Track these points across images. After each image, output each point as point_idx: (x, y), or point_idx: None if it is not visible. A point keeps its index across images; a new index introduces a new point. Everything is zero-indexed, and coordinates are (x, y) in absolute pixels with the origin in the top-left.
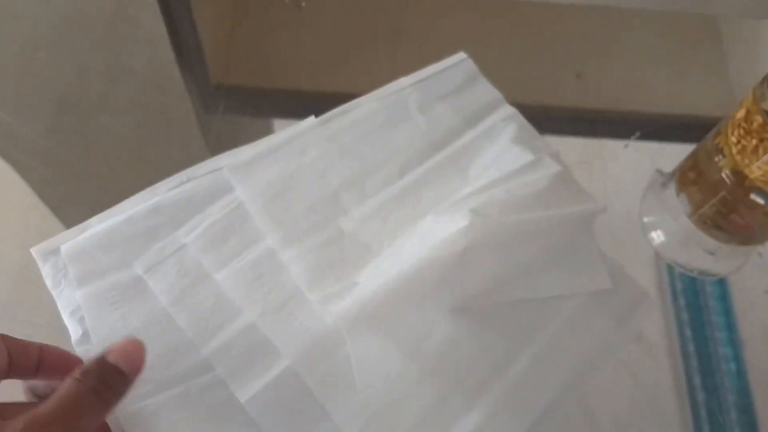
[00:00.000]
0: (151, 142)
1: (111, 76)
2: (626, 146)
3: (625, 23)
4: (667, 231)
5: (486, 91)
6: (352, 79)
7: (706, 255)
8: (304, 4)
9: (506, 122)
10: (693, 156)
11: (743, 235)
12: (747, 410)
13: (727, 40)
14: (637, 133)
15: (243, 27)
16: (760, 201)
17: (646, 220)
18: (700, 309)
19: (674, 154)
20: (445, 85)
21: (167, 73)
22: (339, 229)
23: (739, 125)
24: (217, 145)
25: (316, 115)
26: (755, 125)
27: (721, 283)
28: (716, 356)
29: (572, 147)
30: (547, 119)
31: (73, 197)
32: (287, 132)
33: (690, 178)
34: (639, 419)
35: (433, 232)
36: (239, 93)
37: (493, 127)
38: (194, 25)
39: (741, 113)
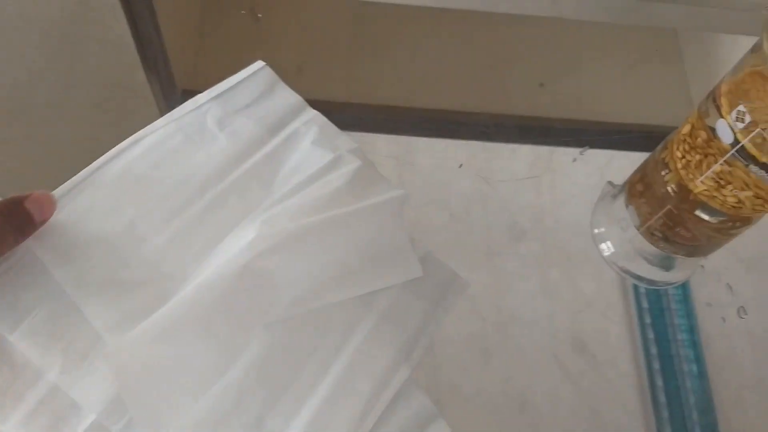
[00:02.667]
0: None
1: (67, 82)
2: (574, 160)
3: (590, 35)
4: (616, 242)
5: (287, 96)
6: (312, 86)
7: (655, 267)
8: (260, 16)
9: (308, 125)
10: (642, 169)
11: (690, 248)
12: (707, 411)
13: (686, 53)
14: (586, 147)
15: (210, 33)
16: (705, 216)
17: (596, 231)
18: (662, 312)
19: (629, 164)
20: (245, 96)
21: (132, 78)
22: (139, 262)
23: (684, 140)
24: None
25: None
26: (699, 141)
27: (683, 286)
28: (678, 358)
29: (524, 158)
30: (499, 129)
31: None
32: (72, 181)
33: (638, 190)
34: (606, 420)
35: (225, 249)
36: None
37: (295, 133)
38: (159, 30)
39: (686, 129)
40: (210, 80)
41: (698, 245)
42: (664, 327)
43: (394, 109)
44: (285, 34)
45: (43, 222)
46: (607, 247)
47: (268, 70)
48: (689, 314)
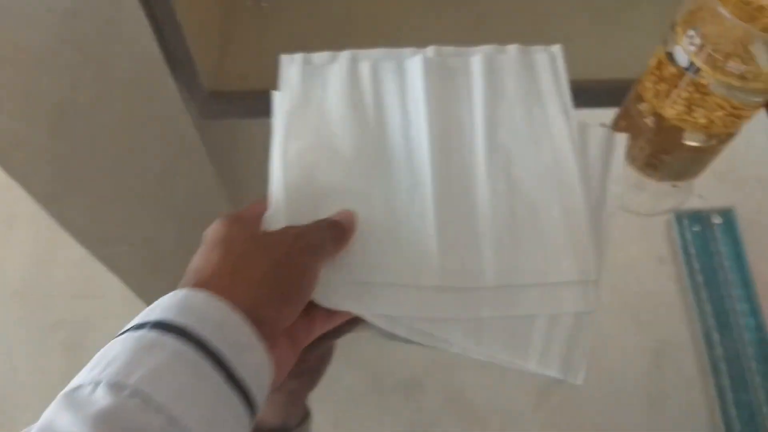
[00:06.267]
0: (149, 151)
1: (100, 89)
2: None
3: None
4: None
5: None
6: None
7: (649, 195)
8: (265, 5)
9: None
10: (624, 106)
11: (675, 172)
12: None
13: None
14: None
15: (230, 32)
16: (684, 140)
17: None
18: (714, 270)
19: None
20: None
21: (161, 85)
22: None
23: (652, 72)
24: (217, 150)
25: None
26: (664, 70)
27: (735, 242)
28: (734, 313)
29: None
30: None
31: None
32: None
33: (622, 126)
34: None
35: None
36: (233, 97)
37: None
38: (182, 35)
39: (654, 61)
40: (234, 78)
41: (685, 168)
42: (717, 285)
43: None
44: (295, 22)
45: (352, 233)
46: None
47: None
48: (742, 269)
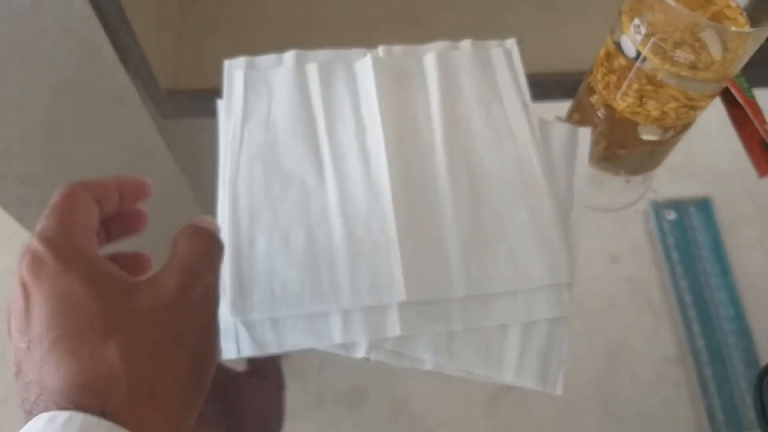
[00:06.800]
0: (111, 154)
1: (55, 91)
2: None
3: None
4: None
5: None
6: None
7: (606, 189)
8: None
9: None
10: (576, 98)
11: (631, 166)
12: (748, 350)
13: None
14: None
15: (187, 32)
16: (637, 133)
17: None
18: (693, 259)
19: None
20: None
21: (115, 83)
22: None
23: (602, 63)
24: (181, 150)
25: None
26: (613, 61)
27: (713, 232)
28: (713, 302)
29: None
30: None
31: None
32: None
33: (576, 119)
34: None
35: None
36: (192, 96)
37: None
38: (133, 32)
39: (602, 52)
40: (194, 77)
41: (641, 161)
42: (696, 274)
43: None
44: (256, 16)
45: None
46: None
47: None
48: (721, 259)
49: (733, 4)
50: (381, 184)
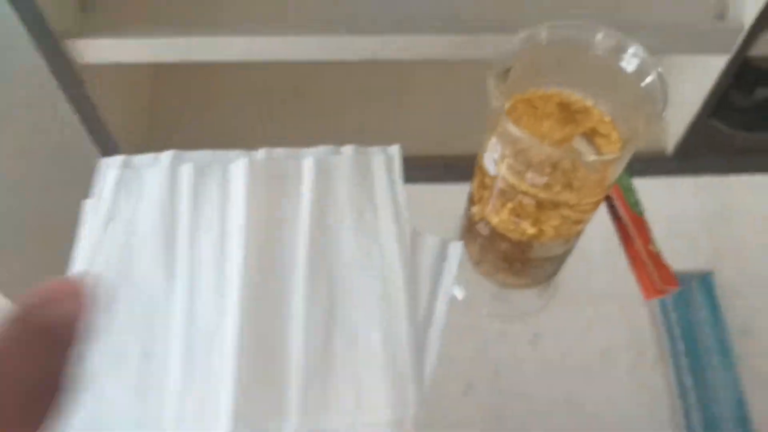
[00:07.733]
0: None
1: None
2: None
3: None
4: (464, 283)
5: None
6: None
7: (503, 301)
8: None
9: None
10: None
11: (531, 277)
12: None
13: None
14: None
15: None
16: (509, 248)
17: None
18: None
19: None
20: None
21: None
22: None
23: (476, 174)
24: None
25: None
26: (486, 177)
27: (709, 289)
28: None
29: None
30: None
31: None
32: None
33: (464, 226)
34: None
35: None
36: None
37: None
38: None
39: (478, 161)
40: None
41: (540, 273)
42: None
43: None
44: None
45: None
46: (458, 292)
47: None
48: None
49: (607, 119)
50: (230, 301)
